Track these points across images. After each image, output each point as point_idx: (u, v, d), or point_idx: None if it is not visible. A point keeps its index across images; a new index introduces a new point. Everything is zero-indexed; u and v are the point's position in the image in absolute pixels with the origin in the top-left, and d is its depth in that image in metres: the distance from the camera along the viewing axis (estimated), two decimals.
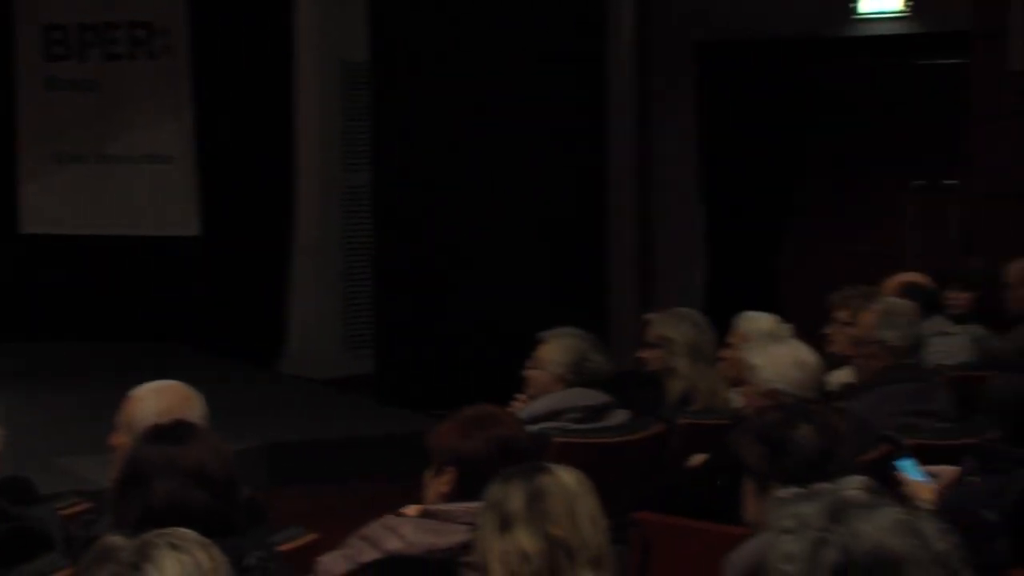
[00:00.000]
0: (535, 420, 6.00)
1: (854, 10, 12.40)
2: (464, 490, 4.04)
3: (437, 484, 4.14)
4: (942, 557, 2.43)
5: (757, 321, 6.72)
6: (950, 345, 7.44)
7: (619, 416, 6.20)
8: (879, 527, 2.44)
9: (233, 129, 11.84)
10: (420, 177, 10.86)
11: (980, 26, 10.34)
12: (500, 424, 4.19)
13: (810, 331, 7.07)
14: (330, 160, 11.72)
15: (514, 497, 3.32)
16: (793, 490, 2.78)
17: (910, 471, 5.21)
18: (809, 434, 3.86)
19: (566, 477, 3.32)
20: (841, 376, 6.82)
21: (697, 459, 5.69)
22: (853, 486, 2.57)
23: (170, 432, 3.80)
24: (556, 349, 6.17)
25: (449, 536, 3.93)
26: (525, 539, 3.25)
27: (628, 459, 5.94)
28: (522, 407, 6.16)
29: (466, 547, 3.75)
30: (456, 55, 10.76)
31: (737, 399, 6.18)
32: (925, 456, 5.36)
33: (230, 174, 11.94)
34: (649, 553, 5.21)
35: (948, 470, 5.18)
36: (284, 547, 4.08)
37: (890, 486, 5.11)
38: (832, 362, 6.97)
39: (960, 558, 2.45)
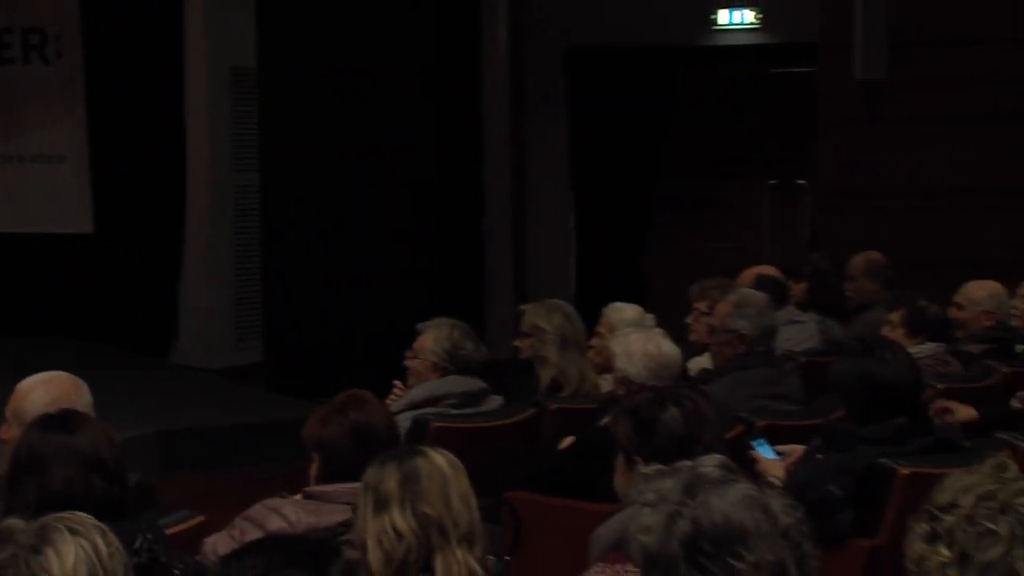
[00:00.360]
0: (414, 406, 5.99)
1: (713, 22, 12.52)
2: (328, 474, 4.07)
3: (310, 469, 4.15)
4: (786, 531, 2.47)
5: (623, 311, 6.78)
6: (799, 333, 7.52)
7: (494, 402, 6.20)
8: (729, 501, 2.48)
9: (125, 131, 11.69)
10: (305, 177, 10.87)
11: (827, 38, 10.46)
12: (360, 410, 4.19)
13: (673, 321, 7.14)
14: (219, 161, 11.64)
15: (389, 478, 3.32)
16: (656, 467, 2.81)
17: (762, 450, 5.27)
18: (676, 416, 3.90)
19: (439, 459, 3.32)
20: (701, 362, 6.88)
21: (566, 442, 5.71)
22: (710, 464, 2.61)
23: (60, 420, 3.75)
24: (432, 338, 6.16)
25: (329, 516, 3.93)
26: (399, 518, 3.25)
27: (502, 442, 5.95)
28: (400, 394, 6.16)
29: (346, 526, 3.75)
30: (338, 62, 10.79)
31: (606, 384, 6.22)
32: (776, 436, 5.42)
33: (122, 174, 11.80)
34: (521, 530, 5.24)
35: (796, 448, 5.24)
36: (172, 529, 4.04)
37: (744, 464, 5.18)
38: (692, 350, 7.04)
39: (802, 532, 2.49)
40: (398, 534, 3.24)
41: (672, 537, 2.47)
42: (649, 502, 2.52)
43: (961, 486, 2.74)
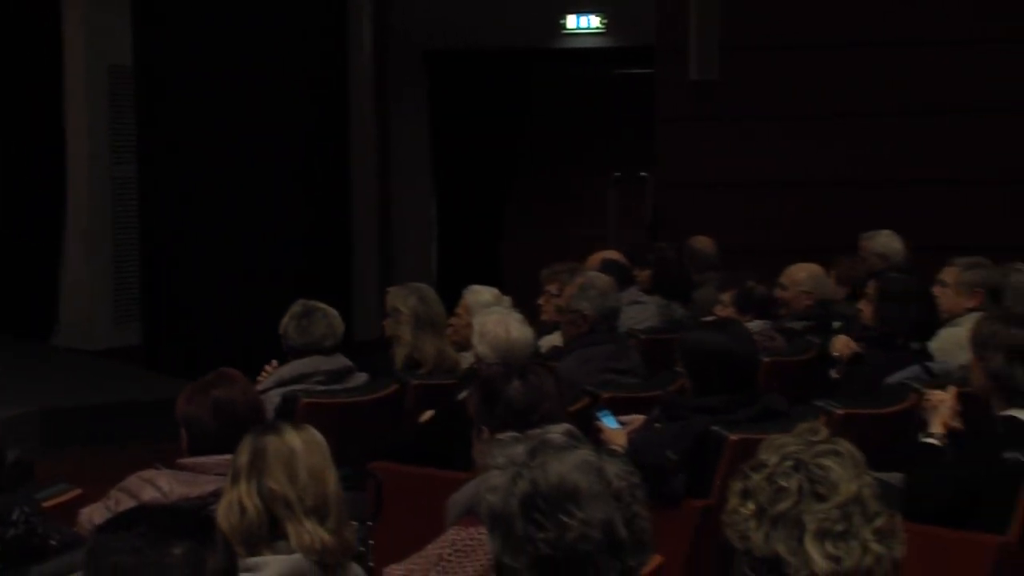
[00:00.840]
0: (283, 384, 5.95)
1: (563, 26, 12.60)
2: (196, 448, 4.05)
3: (182, 443, 4.12)
4: (618, 493, 2.51)
5: (480, 294, 6.79)
6: (640, 312, 7.58)
7: (359, 379, 6.18)
8: (566, 465, 2.51)
9: (6, 125, 11.49)
10: (181, 169, 10.82)
11: (664, 41, 10.56)
12: (223, 388, 4.15)
13: (527, 302, 7.18)
14: (99, 153, 11.46)
15: (241, 454, 3.30)
16: (510, 434, 2.84)
17: (606, 419, 5.30)
18: (518, 388, 3.91)
19: (291, 437, 3.27)
20: (552, 340, 6.91)
21: (427, 415, 5.70)
22: (557, 432, 2.64)
23: None
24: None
25: (201, 486, 3.89)
26: (244, 492, 3.23)
27: (366, 416, 5.93)
28: (271, 372, 6.11)
29: (216, 495, 3.71)
30: (212, 62, 10.76)
31: (465, 361, 6.23)
32: (619, 407, 5.46)
33: (4, 166, 11.60)
34: (383, 497, 5.23)
35: (637, 418, 5.29)
36: (49, 502, 3.97)
37: (591, 433, 5.21)
38: (544, 328, 7.08)
39: (634, 495, 2.53)
40: (242, 508, 3.21)
41: (512, 496, 2.51)
42: (498, 465, 2.56)
43: (772, 448, 2.80)
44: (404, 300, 6.35)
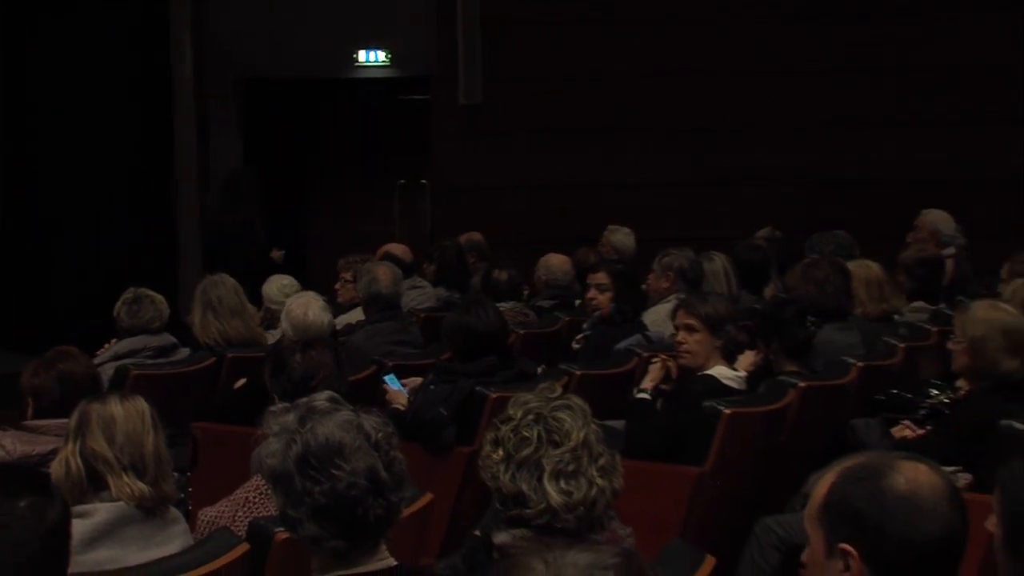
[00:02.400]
0: (117, 358, 5.84)
1: (355, 59, 12.54)
2: (40, 415, 3.95)
3: (27, 412, 4.02)
4: (377, 443, 2.52)
5: (280, 280, 6.76)
6: (420, 295, 7.61)
7: (182, 353, 6.07)
8: (330, 426, 2.51)
9: None
10: (24, 172, 10.43)
11: (439, 72, 10.61)
12: (66, 362, 4.06)
13: (327, 288, 7.15)
14: None
15: (72, 418, 3.23)
16: (281, 404, 2.82)
17: (391, 383, 5.32)
18: (299, 360, 3.90)
19: (112, 404, 3.20)
20: (347, 318, 6.89)
21: (239, 383, 5.64)
22: (321, 398, 2.62)
23: None
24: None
25: (41, 445, 3.79)
26: (70, 452, 3.16)
27: (189, 385, 5.83)
28: (108, 348, 5.98)
29: (54, 453, 3.62)
30: (54, 80, 10.36)
31: (271, 338, 6.17)
32: (401, 372, 5.48)
33: None
34: (199, 451, 5.16)
35: (416, 380, 5.32)
36: None
37: (379, 393, 5.23)
38: (341, 309, 7.05)
39: (390, 443, 2.54)
40: (68, 465, 3.15)
41: (288, 458, 2.49)
42: (274, 432, 2.54)
43: (517, 404, 2.86)
44: (203, 288, 6.22)
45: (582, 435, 2.78)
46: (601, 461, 2.79)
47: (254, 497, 3.31)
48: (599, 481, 2.76)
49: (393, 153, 12.94)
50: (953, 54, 10.23)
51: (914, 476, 2.05)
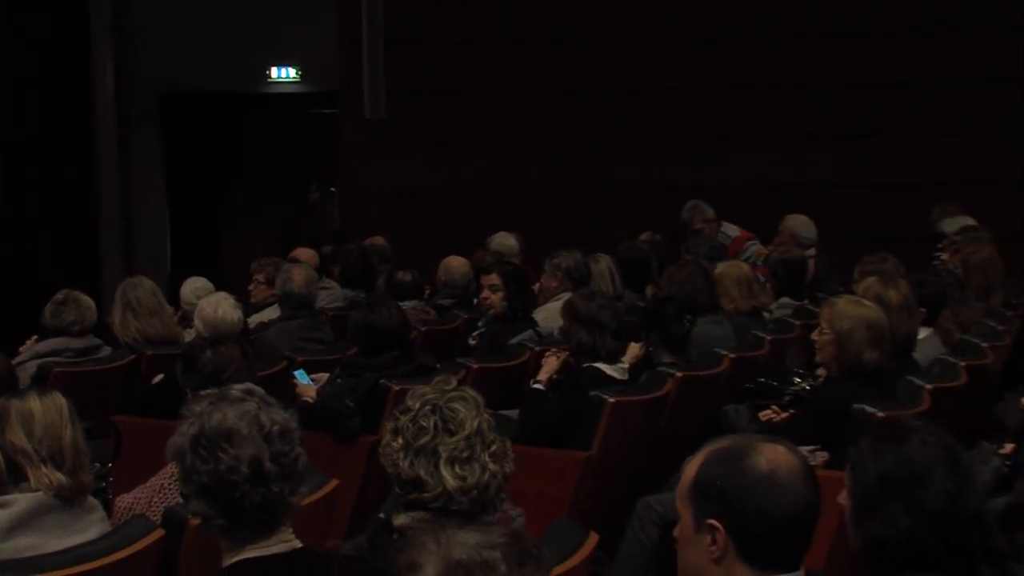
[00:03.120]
0: (39, 356, 5.71)
1: (268, 76, 12.45)
2: None
3: None
4: (268, 435, 2.50)
5: (194, 282, 6.67)
6: (329, 295, 7.54)
7: (104, 352, 5.94)
8: (230, 412, 2.49)
9: None
10: None
11: (346, 88, 10.55)
12: None
13: (242, 289, 7.05)
14: None
15: None
16: (208, 391, 2.78)
17: (301, 377, 5.26)
18: (209, 356, 3.84)
19: (31, 400, 3.11)
20: (261, 317, 6.80)
21: (157, 378, 5.55)
22: (238, 389, 2.60)
23: None
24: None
25: None
26: None
27: (110, 381, 5.72)
28: (30, 346, 5.85)
29: None
30: None
31: (189, 336, 6.08)
32: (311, 367, 5.43)
33: None
34: (121, 443, 5.07)
35: (323, 376, 5.28)
36: None
37: (289, 386, 5.18)
38: (254, 308, 6.95)
39: (283, 436, 2.49)
40: None
41: (185, 436, 2.48)
42: (186, 416, 2.53)
43: (416, 396, 2.84)
44: (122, 290, 6.11)
45: (475, 424, 2.77)
46: (493, 448, 2.78)
47: (168, 484, 3.25)
48: (492, 466, 2.75)
49: (304, 163, 12.86)
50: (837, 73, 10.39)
51: (773, 457, 2.09)
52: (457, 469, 2.73)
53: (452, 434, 2.75)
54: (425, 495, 2.73)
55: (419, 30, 10.39)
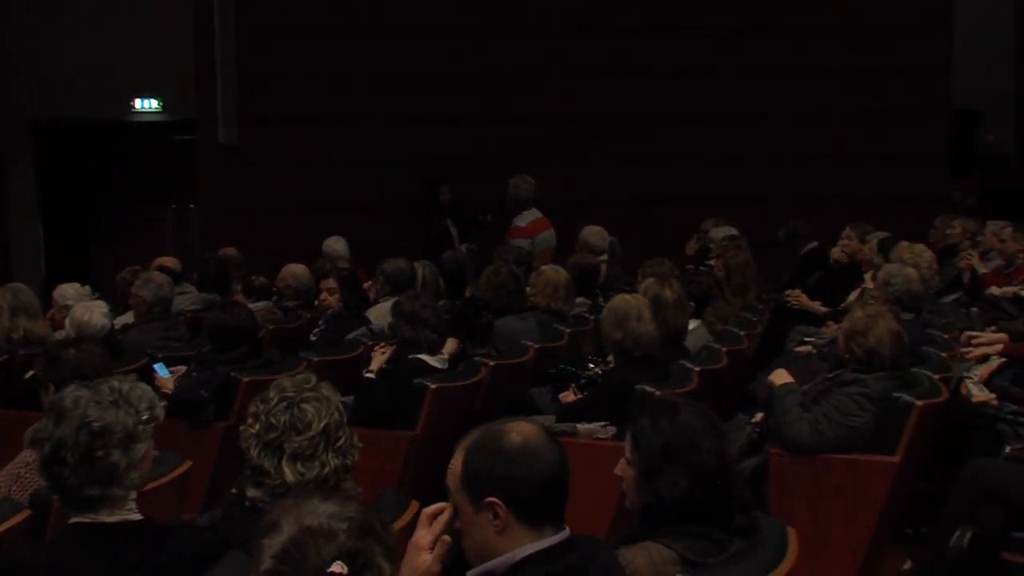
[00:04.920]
0: None
1: (133, 106, 12.07)
2: None
3: None
4: (140, 423, 2.38)
5: (64, 290, 6.35)
6: (186, 299, 7.27)
7: None
8: (94, 404, 2.36)
9: None
10: None
11: (202, 116, 10.28)
12: None
13: (112, 296, 6.77)
14: None
15: None
16: (69, 388, 2.61)
17: (161, 371, 5.06)
18: (72, 353, 3.63)
19: None
20: (125, 319, 6.52)
21: (28, 374, 5.22)
22: (111, 384, 2.46)
23: None
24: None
25: None
26: None
27: None
28: None
29: None
30: None
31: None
32: (170, 362, 5.22)
33: None
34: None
35: (181, 368, 5.08)
36: None
37: (151, 379, 4.96)
38: (122, 308, 6.69)
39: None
40: None
41: (52, 430, 2.37)
42: (49, 409, 2.41)
43: (277, 388, 2.72)
44: (1, 294, 5.78)
45: (322, 424, 2.64)
46: (339, 443, 2.66)
47: (24, 472, 3.06)
48: (333, 461, 2.63)
49: (168, 183, 12.47)
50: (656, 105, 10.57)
51: (521, 431, 2.10)
52: (299, 466, 2.61)
53: (299, 433, 2.63)
54: (267, 482, 2.62)
55: (269, 64, 10.21)
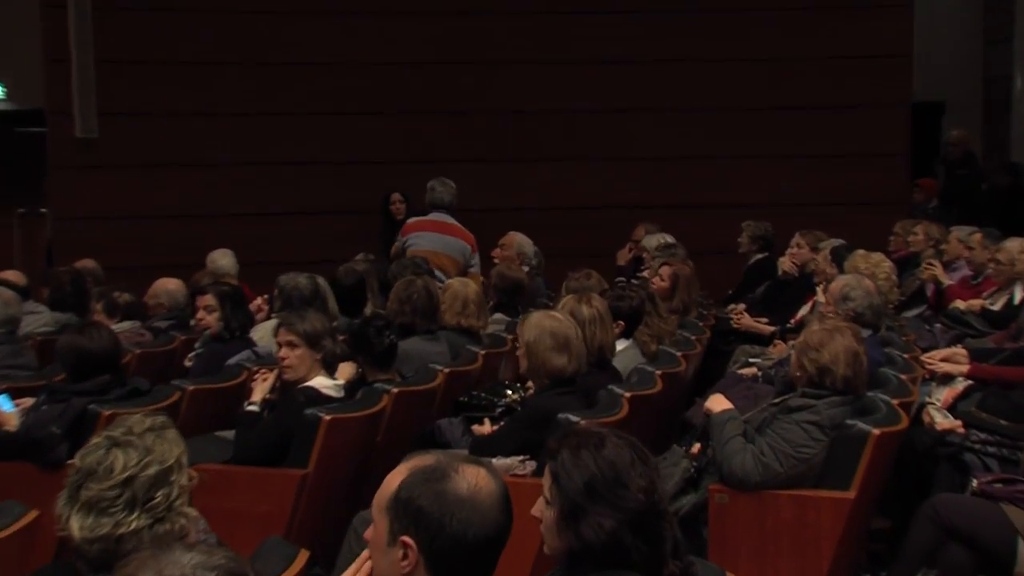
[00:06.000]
0: None
1: None
2: None
3: None
4: None
5: None
6: (36, 320, 7.12)
7: None
8: None
9: None
10: None
11: (54, 106, 10.11)
12: None
13: None
14: None
15: None
16: None
17: (4, 404, 4.95)
18: None
19: None
20: None
21: None
22: None
23: None
24: None
25: None
26: None
27: None
28: None
29: None
30: None
31: None
32: (15, 394, 5.10)
33: None
34: None
35: (29, 401, 4.97)
36: None
37: None
38: None
39: None
40: None
41: None
42: None
43: (111, 427, 2.67)
44: None
45: (124, 475, 2.52)
46: (152, 503, 2.53)
47: None
48: (137, 522, 2.50)
49: (13, 183, 12.16)
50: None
51: (475, 481, 2.11)
52: (88, 518, 2.50)
53: (98, 480, 2.53)
54: (62, 533, 2.54)
55: (130, 49, 10.08)
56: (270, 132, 10.35)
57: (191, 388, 5.19)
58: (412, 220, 8.65)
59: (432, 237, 8.31)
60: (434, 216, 8.47)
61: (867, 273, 6.10)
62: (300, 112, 10.38)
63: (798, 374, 4.23)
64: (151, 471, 2.55)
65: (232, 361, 5.67)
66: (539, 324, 4.50)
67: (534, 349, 4.48)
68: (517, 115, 10.66)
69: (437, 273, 7.91)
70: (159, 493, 2.55)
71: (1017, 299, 6.56)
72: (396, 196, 9.99)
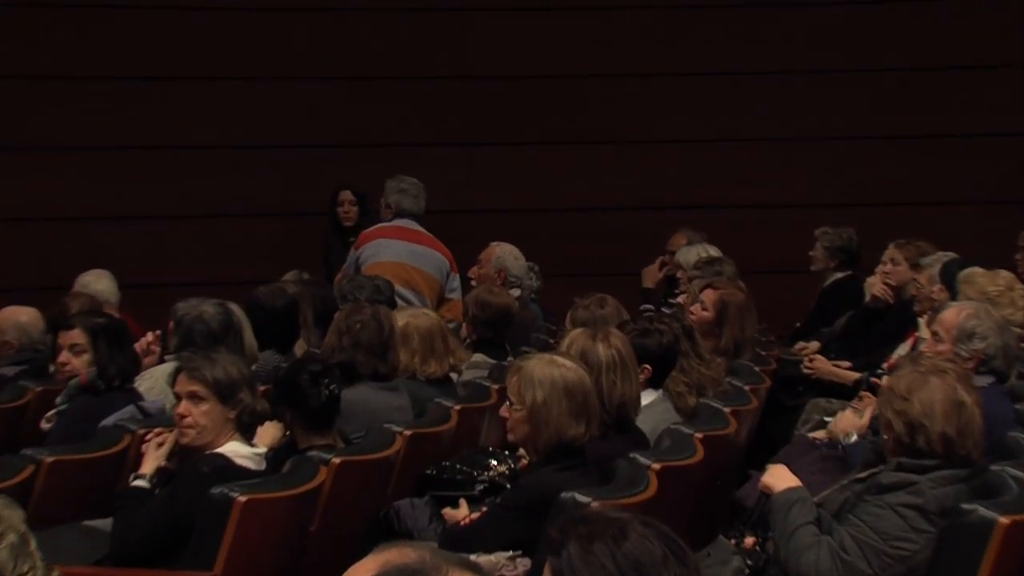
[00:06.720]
0: None
1: None
2: None
3: None
4: None
5: None
6: None
7: None
8: None
9: None
10: None
11: None
12: None
13: None
14: None
15: None
16: None
17: None
18: None
19: None
20: None
21: None
22: None
23: None
24: None
25: None
26: None
27: None
28: None
29: None
30: None
31: None
32: None
33: None
34: None
35: None
36: None
37: None
38: None
39: None
40: None
41: None
42: None
43: None
44: None
45: None
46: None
47: None
48: None
49: None
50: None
51: None
52: None
53: None
54: None
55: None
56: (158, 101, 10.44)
57: (50, 459, 5.15)
58: (370, 228, 8.69)
59: (398, 246, 8.36)
60: (400, 223, 8.51)
61: (996, 299, 6.12)
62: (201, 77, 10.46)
63: (885, 436, 4.24)
64: (12, 538, 2.61)
65: (109, 421, 5.66)
66: (549, 378, 4.41)
67: (543, 415, 4.41)
68: (505, 82, 10.74)
69: (406, 293, 7.93)
70: (26, 567, 2.65)
71: None
72: (346, 195, 9.95)
